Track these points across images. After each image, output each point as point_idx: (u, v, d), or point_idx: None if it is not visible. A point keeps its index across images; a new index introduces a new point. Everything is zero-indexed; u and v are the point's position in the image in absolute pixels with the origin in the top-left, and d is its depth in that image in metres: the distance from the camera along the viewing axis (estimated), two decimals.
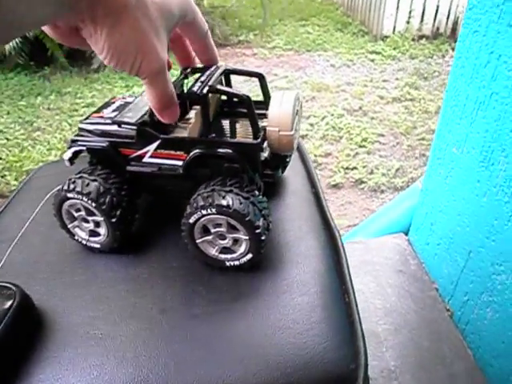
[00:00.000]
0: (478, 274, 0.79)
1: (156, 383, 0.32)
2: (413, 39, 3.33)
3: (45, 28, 0.32)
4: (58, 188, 0.42)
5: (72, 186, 0.41)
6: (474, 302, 0.81)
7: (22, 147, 2.24)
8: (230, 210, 0.37)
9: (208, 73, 0.41)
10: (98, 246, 0.44)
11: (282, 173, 0.49)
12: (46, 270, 0.43)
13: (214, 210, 0.37)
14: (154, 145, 0.41)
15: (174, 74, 0.41)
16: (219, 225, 0.39)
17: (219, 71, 0.42)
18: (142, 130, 0.40)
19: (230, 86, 0.46)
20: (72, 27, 0.31)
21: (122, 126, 0.41)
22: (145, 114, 0.41)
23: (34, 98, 2.72)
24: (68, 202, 0.42)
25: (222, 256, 0.41)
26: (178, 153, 0.40)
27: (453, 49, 3.07)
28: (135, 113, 0.42)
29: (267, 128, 0.40)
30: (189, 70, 0.43)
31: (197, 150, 0.39)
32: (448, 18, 3.35)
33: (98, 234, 0.43)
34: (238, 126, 0.46)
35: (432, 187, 0.94)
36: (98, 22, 0.29)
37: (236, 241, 0.40)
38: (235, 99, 0.47)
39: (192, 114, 0.42)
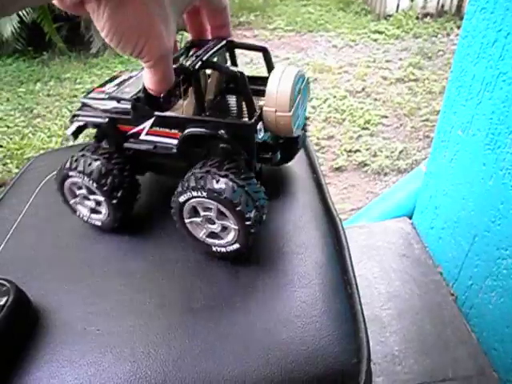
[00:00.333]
0: (483, 259, 0.78)
1: (154, 380, 0.32)
2: (417, 17, 3.25)
3: None
4: (53, 174, 0.42)
5: (74, 165, 0.40)
6: (478, 286, 0.80)
7: (23, 134, 2.23)
8: (221, 196, 0.35)
9: (206, 47, 0.39)
10: (99, 223, 0.44)
11: (290, 159, 0.47)
12: (41, 265, 0.42)
13: (204, 194, 0.36)
14: (150, 122, 0.39)
15: None
16: (209, 209, 0.37)
17: (218, 45, 0.39)
18: (137, 106, 0.38)
19: (235, 62, 0.44)
20: None
21: (121, 101, 0.40)
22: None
23: (34, 85, 2.70)
24: (70, 180, 0.42)
25: (210, 240, 0.39)
26: (173, 131, 0.39)
27: (458, 27, 3.00)
28: (133, 88, 0.41)
29: (263, 108, 0.37)
30: (188, 43, 0.41)
31: (188, 130, 0.38)
32: None
33: (100, 212, 0.43)
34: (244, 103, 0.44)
35: (436, 170, 0.92)
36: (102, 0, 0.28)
37: (225, 228, 0.38)
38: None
39: (190, 90, 0.40)
